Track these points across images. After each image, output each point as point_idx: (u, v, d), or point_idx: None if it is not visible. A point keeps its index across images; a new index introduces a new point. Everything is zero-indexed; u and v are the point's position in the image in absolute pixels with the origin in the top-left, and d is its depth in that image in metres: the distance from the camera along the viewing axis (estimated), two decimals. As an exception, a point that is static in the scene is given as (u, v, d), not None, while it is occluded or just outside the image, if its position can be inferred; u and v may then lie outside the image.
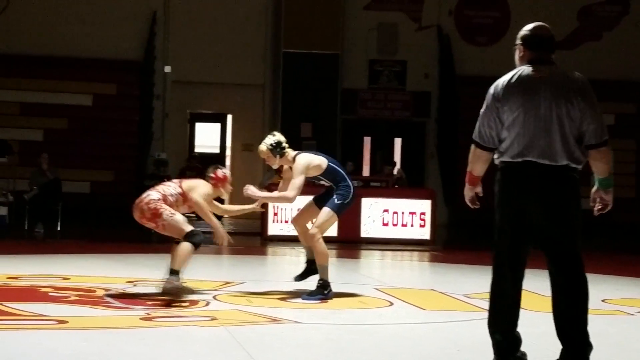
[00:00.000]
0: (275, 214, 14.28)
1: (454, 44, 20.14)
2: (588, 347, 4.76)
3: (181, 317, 6.57)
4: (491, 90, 4.85)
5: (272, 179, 16.31)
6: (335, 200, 7.66)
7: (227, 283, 8.50)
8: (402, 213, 14.32)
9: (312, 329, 6.34)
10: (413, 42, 20.07)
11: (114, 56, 18.98)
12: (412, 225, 14.25)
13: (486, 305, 7.58)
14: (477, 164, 4.96)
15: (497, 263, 4.87)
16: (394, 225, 14.29)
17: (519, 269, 4.85)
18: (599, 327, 6.84)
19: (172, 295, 7.21)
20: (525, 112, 4.76)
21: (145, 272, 9.21)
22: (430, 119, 20.41)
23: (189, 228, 7.38)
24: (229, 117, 20.41)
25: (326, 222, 7.65)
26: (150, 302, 7.18)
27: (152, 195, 7.57)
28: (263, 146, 7.74)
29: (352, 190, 7.70)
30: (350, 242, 13.79)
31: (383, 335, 6.24)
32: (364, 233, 14.14)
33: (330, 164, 7.73)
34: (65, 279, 8.50)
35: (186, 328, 6.17)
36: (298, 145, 19.20)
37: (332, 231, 14.24)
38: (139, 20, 19.29)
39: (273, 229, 14.31)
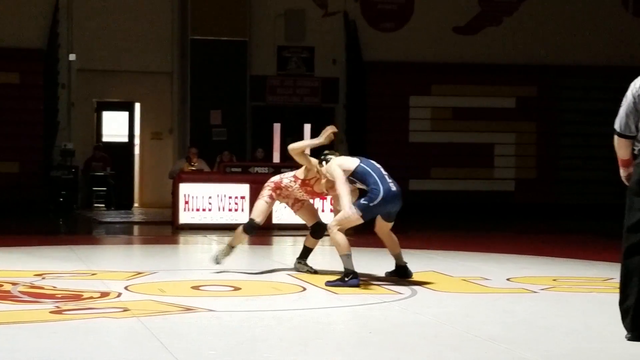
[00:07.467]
0: (187, 202, 14.19)
1: (361, 30, 20.27)
2: None
3: (92, 309, 6.50)
4: (630, 86, 5.44)
5: (182, 168, 16.22)
6: (362, 200, 7.82)
7: (139, 273, 8.44)
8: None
9: (226, 316, 6.35)
10: (320, 28, 20.13)
11: (15, 44, 18.51)
12: (323, 211, 14.32)
13: (398, 288, 7.72)
14: (620, 150, 5.58)
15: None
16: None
17: None
18: (505, 305, 7.05)
19: None
20: None
21: (53, 264, 9.08)
22: (339, 105, 20.54)
23: None
24: (137, 106, 20.16)
25: (346, 219, 7.73)
26: (59, 295, 7.09)
27: None
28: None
29: (381, 193, 7.75)
30: (262, 229, 13.75)
31: (297, 321, 6.30)
32: (276, 219, 14.14)
33: (361, 165, 7.89)
34: (-29, 274, 8.31)
35: (98, 320, 6.11)
36: (208, 131, 19.18)
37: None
38: (41, 7, 18.86)
39: (184, 218, 14.23)
